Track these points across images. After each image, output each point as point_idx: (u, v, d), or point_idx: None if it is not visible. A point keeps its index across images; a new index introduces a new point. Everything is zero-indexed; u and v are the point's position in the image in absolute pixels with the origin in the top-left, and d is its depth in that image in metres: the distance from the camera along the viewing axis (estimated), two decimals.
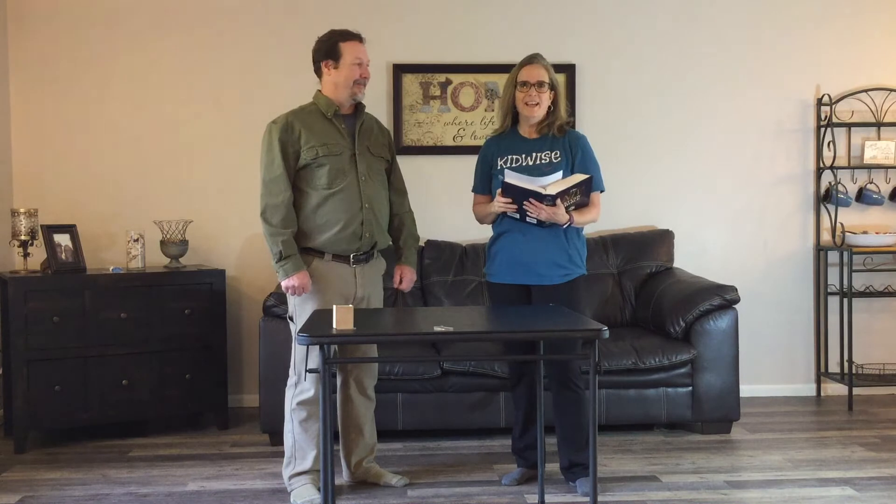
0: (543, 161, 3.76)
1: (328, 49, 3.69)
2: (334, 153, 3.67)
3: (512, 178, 3.65)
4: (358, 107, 3.79)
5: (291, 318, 3.76)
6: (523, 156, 3.78)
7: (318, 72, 3.75)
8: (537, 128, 3.82)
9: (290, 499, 3.71)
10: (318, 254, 3.69)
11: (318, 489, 3.67)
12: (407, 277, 3.95)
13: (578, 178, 3.67)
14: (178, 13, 5.21)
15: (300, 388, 3.69)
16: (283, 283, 3.63)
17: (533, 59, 3.79)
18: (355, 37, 3.71)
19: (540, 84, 3.73)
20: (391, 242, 3.92)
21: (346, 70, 3.67)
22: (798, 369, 5.50)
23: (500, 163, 3.79)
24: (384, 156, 3.86)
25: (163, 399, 4.68)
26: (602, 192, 3.85)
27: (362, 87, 3.73)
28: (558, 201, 3.59)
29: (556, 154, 3.77)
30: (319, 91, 3.76)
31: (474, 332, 3.27)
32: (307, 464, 3.73)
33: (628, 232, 5.33)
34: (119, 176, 5.20)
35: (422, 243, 5.12)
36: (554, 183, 3.65)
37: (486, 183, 3.87)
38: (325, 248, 3.69)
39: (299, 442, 3.72)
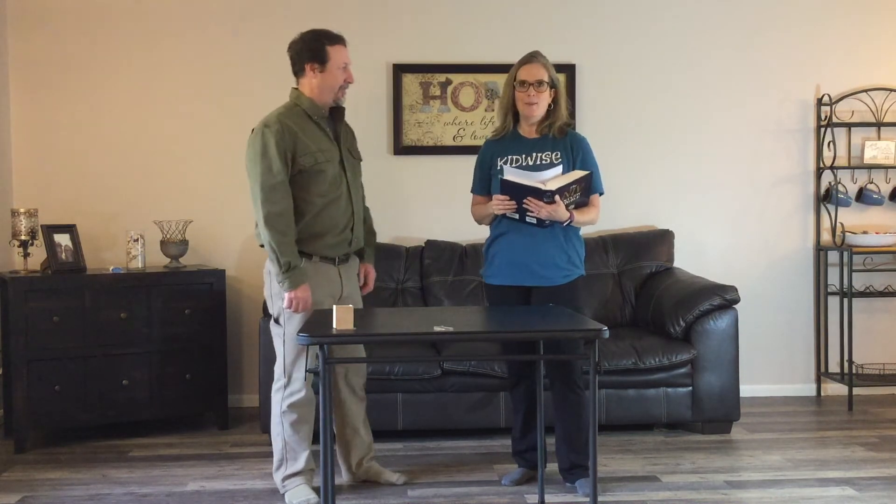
0: (544, 161, 3.73)
1: (315, 51, 3.60)
2: (328, 159, 3.63)
3: (511, 174, 3.62)
4: (337, 109, 3.73)
5: (277, 321, 3.70)
6: (523, 155, 3.76)
7: (299, 73, 3.65)
8: (538, 127, 3.80)
9: (286, 500, 3.68)
10: (307, 256, 3.65)
11: (313, 488, 3.67)
12: (371, 276, 3.92)
13: (578, 174, 3.65)
14: (179, 14, 5.21)
15: (290, 391, 3.65)
16: (288, 295, 3.54)
17: (532, 58, 3.74)
18: (341, 40, 3.65)
19: (539, 83, 3.70)
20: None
21: (332, 74, 3.61)
22: (798, 369, 5.49)
23: (499, 163, 3.76)
24: (358, 157, 3.85)
25: (163, 399, 4.68)
26: (601, 194, 3.84)
27: (345, 91, 3.68)
28: (557, 198, 3.57)
29: (556, 155, 3.74)
30: (299, 92, 3.67)
31: (474, 332, 3.27)
32: (300, 464, 3.70)
33: (628, 232, 5.32)
34: (119, 176, 5.20)
35: (422, 243, 5.15)
36: (553, 178, 3.61)
37: (484, 184, 3.85)
38: (315, 252, 3.66)
39: (290, 444, 3.69)
